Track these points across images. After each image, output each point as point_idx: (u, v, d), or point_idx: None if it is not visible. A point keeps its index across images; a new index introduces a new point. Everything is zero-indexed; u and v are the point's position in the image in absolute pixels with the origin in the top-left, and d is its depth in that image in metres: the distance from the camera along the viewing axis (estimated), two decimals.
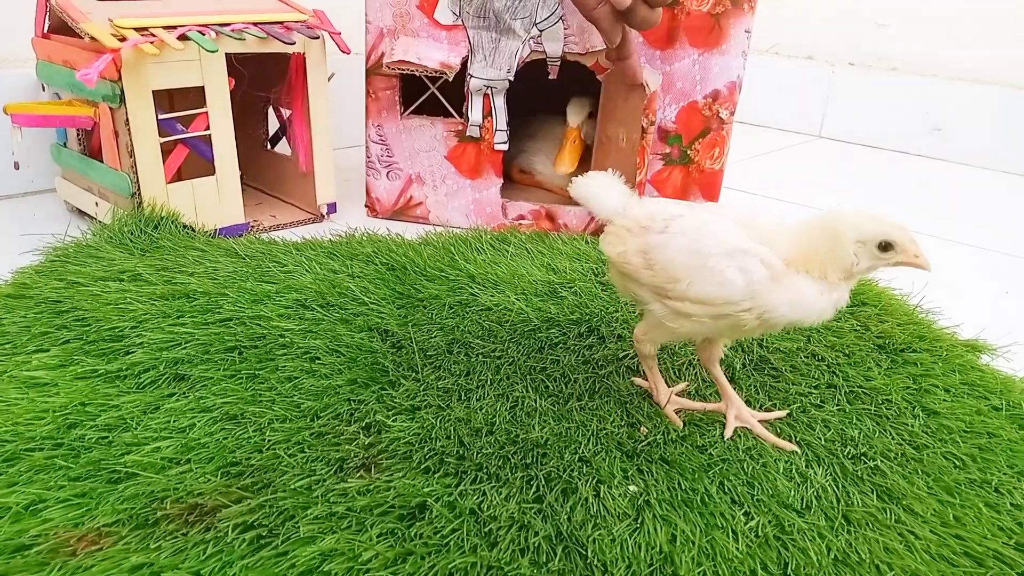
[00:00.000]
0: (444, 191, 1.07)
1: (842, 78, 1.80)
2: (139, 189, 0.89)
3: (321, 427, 0.55)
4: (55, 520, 0.44)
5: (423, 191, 1.08)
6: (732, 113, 0.97)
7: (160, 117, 0.88)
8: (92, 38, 0.82)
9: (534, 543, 0.45)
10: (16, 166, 0.92)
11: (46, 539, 0.43)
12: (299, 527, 0.45)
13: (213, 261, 0.82)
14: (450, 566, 0.43)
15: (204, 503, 0.46)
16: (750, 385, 0.66)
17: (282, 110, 1.09)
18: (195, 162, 0.95)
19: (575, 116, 1.03)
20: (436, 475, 0.50)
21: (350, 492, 0.48)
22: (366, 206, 1.12)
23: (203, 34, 0.88)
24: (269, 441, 0.53)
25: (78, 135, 0.97)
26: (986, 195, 1.41)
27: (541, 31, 0.97)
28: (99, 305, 0.70)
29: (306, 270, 0.81)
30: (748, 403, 0.62)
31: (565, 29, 0.96)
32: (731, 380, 0.67)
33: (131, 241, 0.86)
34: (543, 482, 0.50)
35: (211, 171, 0.94)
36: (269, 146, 1.13)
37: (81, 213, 1.02)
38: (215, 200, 0.95)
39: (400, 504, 0.47)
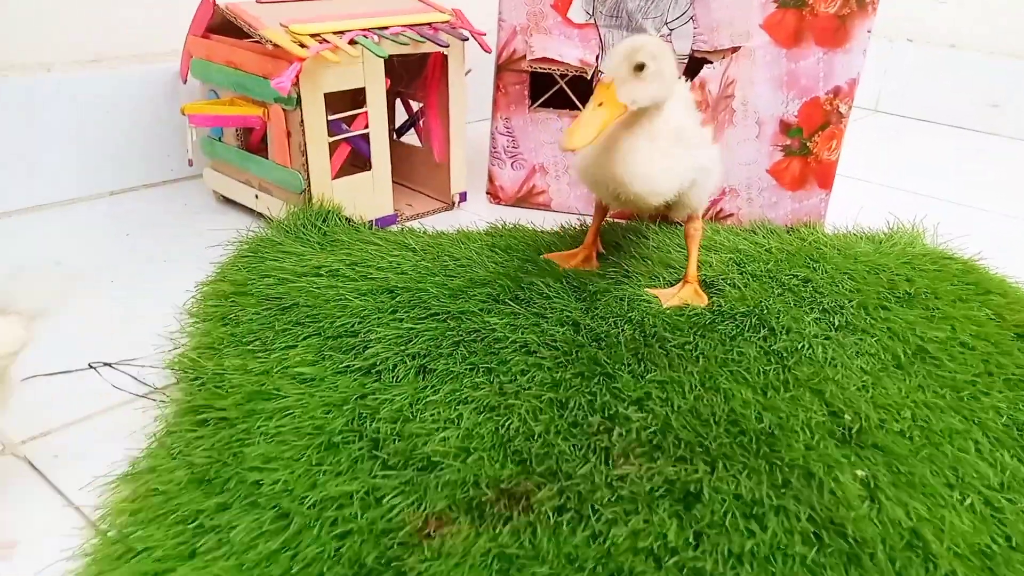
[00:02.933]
0: (567, 180, 1.13)
1: (900, 54, 1.86)
2: (309, 185, 0.95)
3: (572, 417, 0.62)
4: (399, 505, 0.52)
5: (546, 180, 1.14)
6: (850, 108, 1.03)
7: (329, 118, 0.94)
8: (275, 45, 0.88)
9: (798, 526, 0.53)
10: (191, 163, 0.98)
11: (404, 522, 0.50)
12: (599, 510, 0.53)
13: (393, 255, 0.88)
14: (735, 547, 0.51)
15: (512, 489, 0.54)
16: (916, 372, 0.73)
17: (412, 103, 1.14)
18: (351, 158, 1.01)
19: (612, 64, 0.71)
20: (689, 463, 0.58)
21: (628, 477, 0.56)
22: (488, 193, 1.18)
23: (367, 37, 0.93)
24: (536, 431, 0.60)
25: (236, 131, 1.02)
26: None
27: (672, 30, 1.02)
28: (319, 301, 0.77)
29: (478, 263, 0.88)
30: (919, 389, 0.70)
31: (694, 28, 1.02)
32: (898, 368, 0.75)
33: (305, 234, 0.93)
34: (785, 468, 0.58)
35: (366, 166, 1.00)
36: (396, 136, 1.19)
37: (228, 201, 1.08)
38: (370, 193, 1.01)
39: (677, 489, 0.55)
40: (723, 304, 0.82)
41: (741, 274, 0.91)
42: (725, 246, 0.98)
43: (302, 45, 0.88)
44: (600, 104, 0.70)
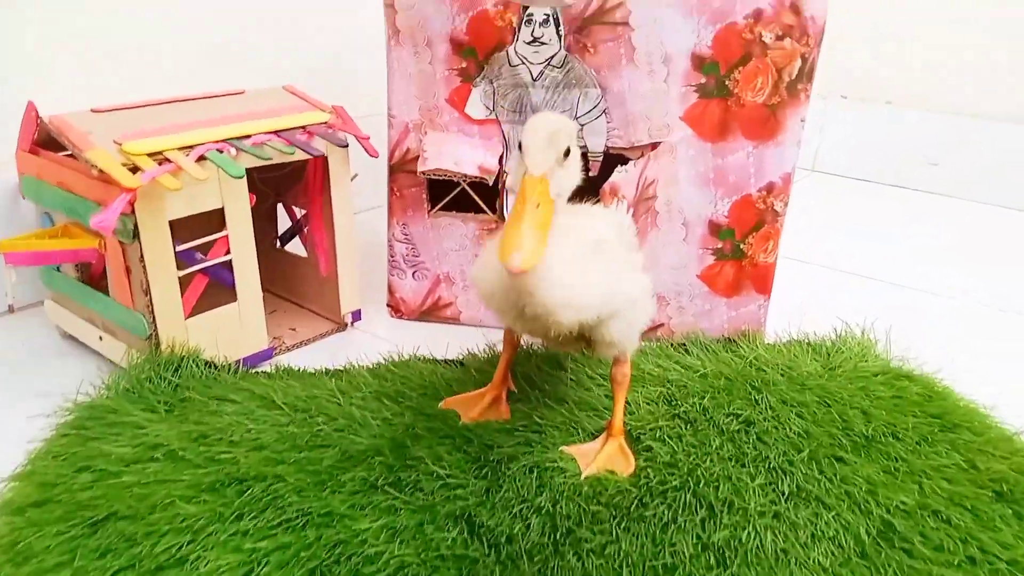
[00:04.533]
0: (476, 291, 0.99)
1: (835, 111, 1.77)
2: (156, 329, 0.79)
3: None
4: None
5: (453, 291, 1.00)
6: (786, 204, 0.91)
7: (178, 249, 0.78)
8: (101, 171, 0.72)
9: None
10: (11, 308, 0.81)
11: None
12: None
13: (252, 419, 0.73)
14: None
15: None
16: (885, 564, 0.60)
17: (296, 209, 0.99)
18: (213, 289, 0.85)
19: (538, 153, 0.58)
20: None
21: None
22: (389, 306, 1.03)
23: (221, 152, 0.78)
24: None
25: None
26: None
27: (582, 125, 0.90)
28: (143, 509, 0.61)
29: (359, 424, 0.73)
30: None
31: (608, 123, 0.89)
32: (862, 557, 0.61)
33: (152, 393, 0.76)
34: None
35: (231, 297, 0.85)
36: (279, 244, 1.03)
37: (75, 338, 0.91)
38: (237, 328, 0.85)
39: None
40: (651, 474, 0.68)
41: (672, 418, 0.77)
42: (654, 376, 0.84)
43: (135, 169, 0.73)
44: (536, 205, 0.56)
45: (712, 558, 0.60)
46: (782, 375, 0.86)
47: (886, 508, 0.66)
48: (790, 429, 0.76)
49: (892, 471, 0.71)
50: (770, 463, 0.71)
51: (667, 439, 0.73)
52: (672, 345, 0.93)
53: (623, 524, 0.63)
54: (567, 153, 0.60)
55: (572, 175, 0.61)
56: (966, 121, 1.62)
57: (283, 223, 1.03)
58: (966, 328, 1.06)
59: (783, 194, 0.91)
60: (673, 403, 0.80)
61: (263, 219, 1.01)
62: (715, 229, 0.92)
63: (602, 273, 0.63)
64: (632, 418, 0.76)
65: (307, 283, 1.00)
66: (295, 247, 1.02)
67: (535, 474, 0.67)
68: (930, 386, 0.84)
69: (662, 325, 0.97)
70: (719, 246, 0.93)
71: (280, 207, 1.02)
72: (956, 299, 1.14)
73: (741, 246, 0.93)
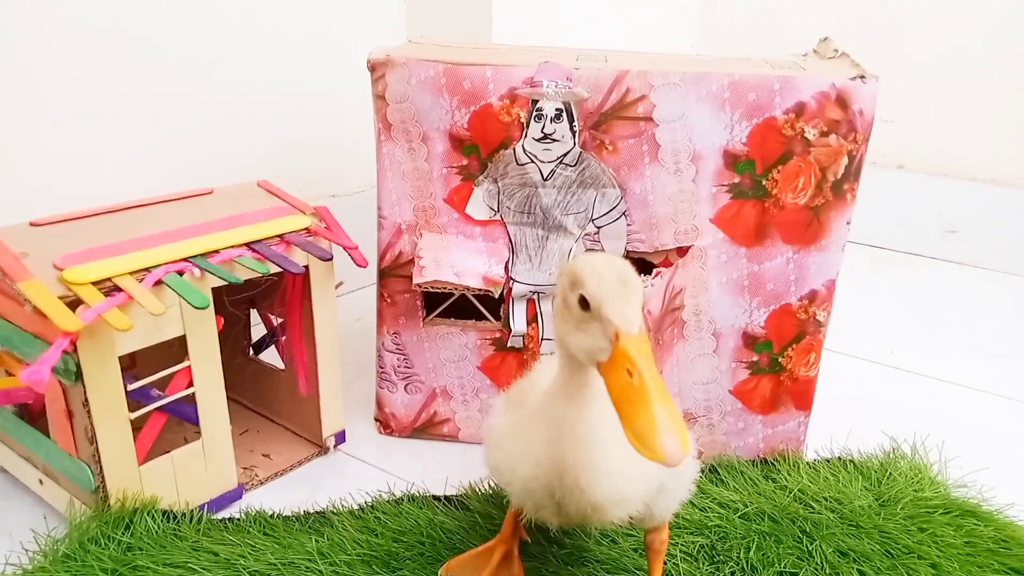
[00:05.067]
0: (477, 406, 0.88)
1: None
2: (104, 481, 0.66)
3: None
4: None
5: (451, 406, 0.88)
6: (829, 315, 0.81)
7: (130, 388, 0.66)
8: (36, 308, 0.60)
9: None
10: None
11: None
12: None
13: None
14: None
15: None
16: None
17: (271, 316, 0.87)
18: (171, 422, 0.74)
19: (625, 303, 0.46)
20: None
21: None
22: (377, 420, 0.91)
23: (182, 274, 0.67)
24: None
25: None
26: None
27: (599, 227, 0.79)
28: None
29: None
30: None
31: (629, 225, 0.79)
32: None
33: (97, 559, 0.64)
34: None
35: (193, 431, 0.73)
36: (252, 353, 0.91)
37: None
38: (201, 470, 0.73)
39: None
40: None
41: None
42: (690, 522, 0.73)
43: (77, 303, 0.61)
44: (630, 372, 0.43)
45: None
46: (832, 511, 0.75)
47: None
48: None
49: None
50: None
51: None
52: (704, 471, 0.82)
53: None
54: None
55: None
56: (981, 187, 1.54)
57: (257, 328, 0.92)
58: (1017, 434, 0.95)
59: (826, 303, 0.80)
60: (715, 559, 0.68)
61: (234, 325, 0.90)
62: (750, 341, 0.82)
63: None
64: None
65: (284, 399, 0.88)
66: (271, 356, 0.91)
67: None
68: (1003, 528, 0.73)
69: None
70: (754, 359, 0.82)
71: (255, 312, 0.90)
72: (1012, 398, 1.03)
73: (779, 359, 0.82)
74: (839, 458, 0.86)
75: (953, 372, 1.09)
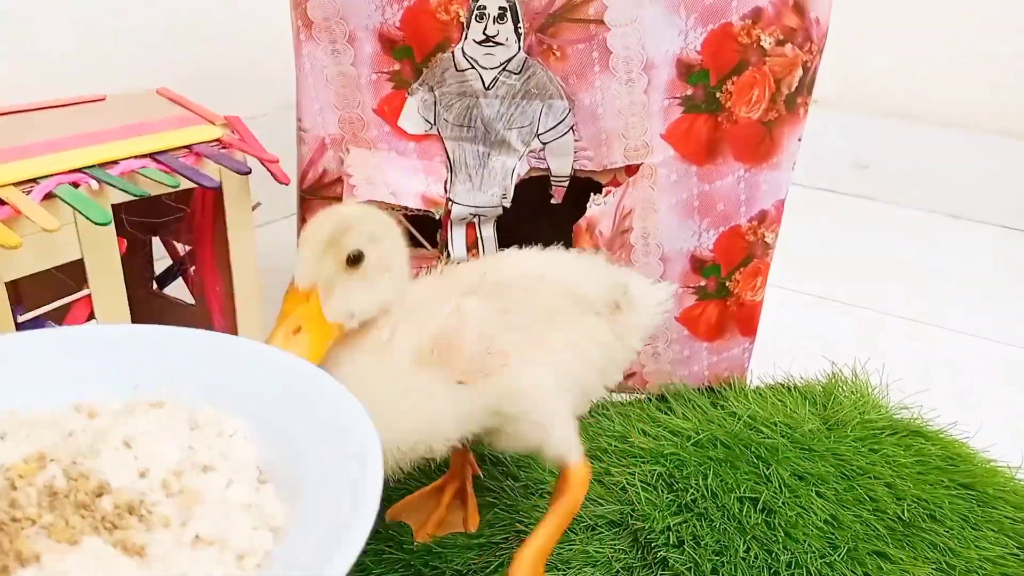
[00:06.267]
0: None
1: None
2: None
3: None
4: None
5: None
6: (776, 236, 0.79)
7: (20, 319, 0.57)
8: None
9: None
10: None
11: None
12: None
13: None
14: None
15: None
16: None
17: (176, 244, 0.78)
18: None
19: (308, 259, 0.45)
20: None
21: None
22: None
23: (77, 186, 0.57)
24: None
25: None
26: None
27: (544, 144, 0.74)
28: None
29: None
30: None
31: (576, 141, 0.73)
32: None
33: None
34: None
35: None
36: (157, 287, 0.82)
37: None
38: None
39: None
40: None
41: (680, 510, 0.63)
42: (643, 451, 0.70)
43: None
44: (297, 330, 0.42)
45: None
46: (784, 436, 0.73)
47: None
48: (815, 515, 0.63)
49: (946, 569, 0.59)
50: (808, 570, 0.58)
51: (684, 544, 0.59)
52: (651, 400, 0.80)
53: None
54: (356, 259, 0.45)
55: (376, 290, 0.46)
56: (896, 123, 1.57)
57: (161, 256, 0.83)
58: (949, 359, 0.97)
59: (775, 224, 0.78)
60: (674, 487, 0.65)
61: (134, 253, 0.80)
62: (698, 265, 0.79)
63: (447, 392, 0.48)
64: (635, 514, 0.61)
65: None
66: (178, 289, 0.82)
67: None
68: (949, 446, 0.74)
69: (634, 374, 0.83)
70: (702, 284, 0.79)
71: (157, 240, 0.81)
72: (943, 327, 1.05)
73: (727, 283, 0.80)
74: (783, 384, 0.84)
75: (880, 302, 1.10)
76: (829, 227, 1.42)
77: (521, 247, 0.61)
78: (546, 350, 0.50)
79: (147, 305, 0.82)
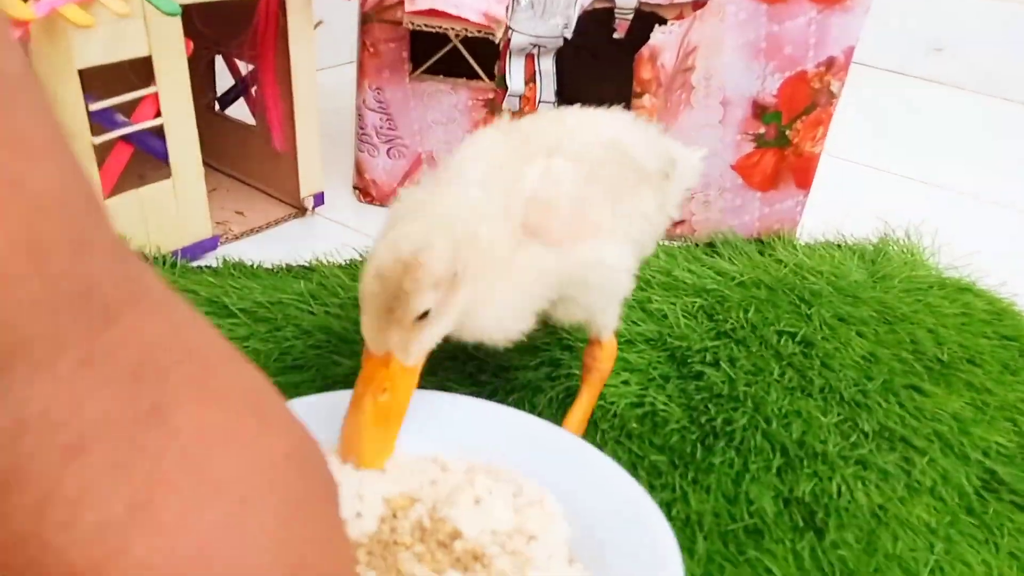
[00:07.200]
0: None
1: None
2: None
3: None
4: None
5: None
6: (843, 85, 0.77)
7: (92, 108, 0.59)
8: None
9: None
10: None
11: None
12: None
13: None
14: None
15: None
16: (998, 525, 0.50)
17: (239, 63, 0.80)
18: (141, 160, 0.67)
19: (372, 326, 0.40)
20: None
21: None
22: (356, 188, 0.86)
23: None
24: None
25: None
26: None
27: None
28: None
29: (340, 339, 0.58)
30: None
31: None
32: (969, 513, 0.51)
33: None
34: None
35: (163, 172, 0.67)
36: (218, 107, 0.84)
37: None
38: (173, 212, 0.68)
39: None
40: (712, 408, 0.56)
41: (718, 336, 0.64)
42: (687, 285, 0.71)
43: None
44: (384, 390, 0.40)
45: (799, 517, 0.49)
46: (829, 284, 0.74)
47: (983, 451, 0.56)
48: (854, 350, 0.64)
49: (980, 406, 0.60)
50: (840, 393, 0.59)
51: (720, 363, 0.60)
52: (698, 245, 0.80)
53: (689, 475, 0.50)
54: (423, 316, 0.39)
55: (453, 312, 0.41)
56: (974, 4, 1.49)
57: (222, 80, 0.84)
58: (1005, 230, 0.95)
59: (843, 72, 0.76)
60: (715, 318, 0.67)
61: (197, 75, 0.81)
62: (759, 111, 0.77)
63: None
64: (674, 335, 0.63)
65: (256, 157, 0.81)
66: (238, 111, 0.83)
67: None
68: (996, 303, 0.73)
69: (683, 222, 0.83)
70: (761, 131, 0.78)
71: (219, 60, 0.82)
72: (1001, 203, 1.02)
73: (787, 132, 0.78)
74: (832, 242, 0.84)
75: (939, 177, 1.07)
76: (895, 109, 1.37)
77: (582, 99, 0.57)
78: (622, 219, 0.49)
79: (207, 123, 0.83)
